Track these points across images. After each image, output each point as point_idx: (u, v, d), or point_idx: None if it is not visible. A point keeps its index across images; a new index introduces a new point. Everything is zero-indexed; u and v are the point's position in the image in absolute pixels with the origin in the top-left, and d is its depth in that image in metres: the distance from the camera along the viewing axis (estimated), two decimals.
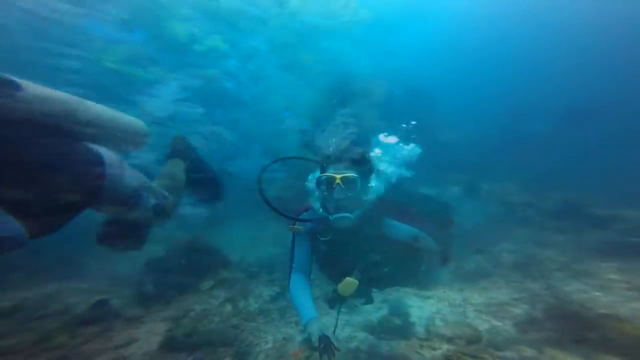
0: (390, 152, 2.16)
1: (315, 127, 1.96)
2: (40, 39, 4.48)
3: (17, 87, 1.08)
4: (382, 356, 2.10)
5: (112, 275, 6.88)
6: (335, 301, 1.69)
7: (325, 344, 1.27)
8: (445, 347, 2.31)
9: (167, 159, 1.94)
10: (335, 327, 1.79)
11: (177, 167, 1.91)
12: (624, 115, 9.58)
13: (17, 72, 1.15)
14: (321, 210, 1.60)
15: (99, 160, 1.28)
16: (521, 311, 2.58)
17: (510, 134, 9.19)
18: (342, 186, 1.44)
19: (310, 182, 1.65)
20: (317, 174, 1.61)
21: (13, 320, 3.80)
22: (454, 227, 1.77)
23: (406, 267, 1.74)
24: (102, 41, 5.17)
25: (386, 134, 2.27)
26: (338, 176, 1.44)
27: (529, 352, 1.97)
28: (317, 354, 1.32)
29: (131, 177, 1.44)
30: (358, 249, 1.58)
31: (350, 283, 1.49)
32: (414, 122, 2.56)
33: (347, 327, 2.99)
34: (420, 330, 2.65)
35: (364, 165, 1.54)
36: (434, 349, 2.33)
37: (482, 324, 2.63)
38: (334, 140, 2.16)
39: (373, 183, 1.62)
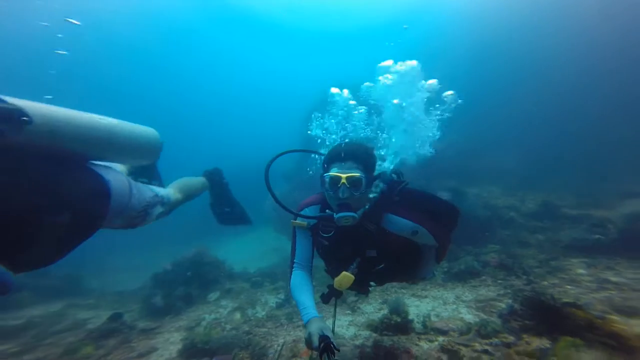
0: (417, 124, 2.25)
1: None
2: None
3: (27, 120, 1.02)
4: (385, 349, 2.40)
5: (117, 291, 7.00)
6: (331, 296, 1.71)
7: (326, 344, 1.23)
8: (441, 338, 2.64)
9: (203, 175, 2.22)
10: (334, 323, 1.89)
11: (201, 182, 2.13)
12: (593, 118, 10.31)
13: None
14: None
15: (105, 191, 1.24)
16: (505, 305, 2.94)
17: (490, 140, 9.79)
18: (348, 186, 1.41)
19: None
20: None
21: (29, 337, 3.93)
22: (455, 224, 1.72)
23: (404, 262, 1.75)
24: None
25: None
26: (344, 175, 1.41)
27: (510, 338, 2.32)
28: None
29: (138, 199, 1.42)
30: (358, 244, 1.57)
31: (346, 277, 1.48)
32: (460, 101, 2.53)
33: (351, 327, 3.28)
34: (418, 325, 2.96)
35: (369, 164, 1.50)
36: (431, 341, 2.65)
37: (472, 318, 2.98)
38: (339, 137, 2.32)
39: (378, 183, 1.59)
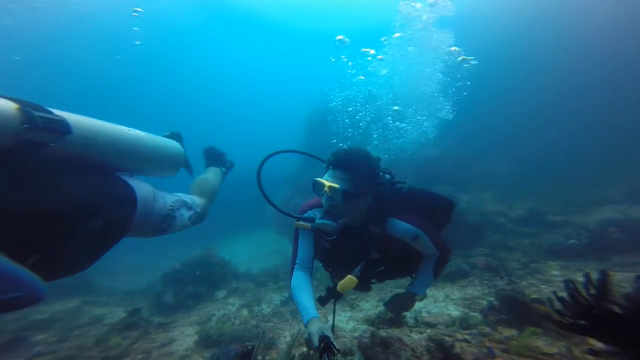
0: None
1: None
2: None
3: (67, 130, 1.07)
4: (380, 338, 2.77)
5: (125, 290, 7.34)
6: (330, 298, 1.72)
7: (326, 344, 1.22)
8: (429, 330, 3.02)
9: (205, 168, 2.11)
10: (333, 323, 1.92)
11: (212, 173, 2.06)
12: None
13: None
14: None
15: (131, 198, 1.27)
16: (486, 302, 3.33)
17: (483, 147, 10.23)
18: (330, 194, 1.42)
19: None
20: None
21: (58, 329, 4.29)
22: (449, 218, 1.76)
23: (404, 265, 1.77)
24: None
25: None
26: (327, 184, 1.42)
27: (486, 329, 2.71)
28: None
29: (162, 205, 1.44)
30: (360, 247, 1.57)
31: (350, 281, 1.49)
32: (465, 93, 2.77)
33: (350, 322, 3.66)
34: (410, 320, 3.34)
35: (362, 175, 1.46)
36: (421, 332, 3.03)
37: (458, 314, 3.37)
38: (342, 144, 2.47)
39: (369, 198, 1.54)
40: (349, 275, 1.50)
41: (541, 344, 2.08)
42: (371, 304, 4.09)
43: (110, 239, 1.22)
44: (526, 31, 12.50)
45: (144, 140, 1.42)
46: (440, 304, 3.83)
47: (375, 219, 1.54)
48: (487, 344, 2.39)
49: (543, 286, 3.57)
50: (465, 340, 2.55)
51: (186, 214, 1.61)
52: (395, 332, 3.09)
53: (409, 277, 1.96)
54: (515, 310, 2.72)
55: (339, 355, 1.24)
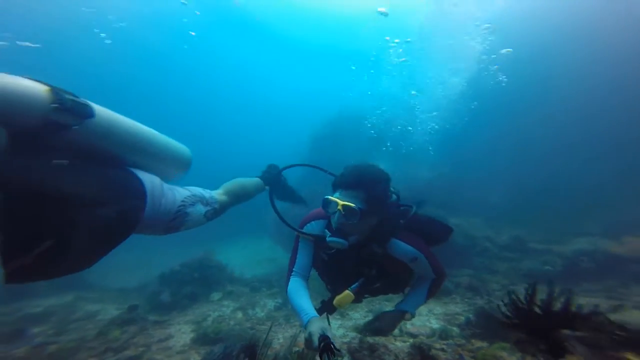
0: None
1: None
2: None
3: (91, 113, 1.09)
4: (368, 343, 3.04)
5: (118, 287, 7.44)
6: (323, 311, 1.72)
7: (326, 344, 1.22)
8: (411, 340, 3.31)
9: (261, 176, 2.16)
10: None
11: (252, 182, 2.08)
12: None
13: None
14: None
15: (141, 190, 1.26)
16: (465, 318, 3.63)
17: (477, 173, 10.68)
18: (343, 213, 1.42)
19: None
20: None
21: (54, 323, 4.43)
22: (445, 239, 1.80)
23: (396, 282, 1.81)
24: None
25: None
26: (341, 203, 1.42)
27: (462, 341, 3.02)
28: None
29: (171, 199, 1.42)
30: (359, 264, 1.59)
31: (347, 297, 1.50)
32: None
33: (340, 329, 3.91)
34: (395, 331, 3.61)
35: (374, 194, 1.46)
36: (404, 341, 3.32)
37: (438, 326, 3.66)
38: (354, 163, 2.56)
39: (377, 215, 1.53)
40: (347, 291, 1.51)
41: (505, 354, 2.39)
42: (360, 314, 4.36)
43: (119, 231, 1.20)
44: (528, 57, 12.62)
45: (158, 138, 1.45)
46: (424, 317, 4.11)
47: (378, 238, 1.55)
48: (460, 352, 2.70)
49: None
50: (442, 349, 2.84)
51: (202, 209, 1.59)
52: (381, 340, 3.37)
53: (400, 293, 2.01)
54: (489, 326, 3.04)
55: (339, 356, 1.22)
